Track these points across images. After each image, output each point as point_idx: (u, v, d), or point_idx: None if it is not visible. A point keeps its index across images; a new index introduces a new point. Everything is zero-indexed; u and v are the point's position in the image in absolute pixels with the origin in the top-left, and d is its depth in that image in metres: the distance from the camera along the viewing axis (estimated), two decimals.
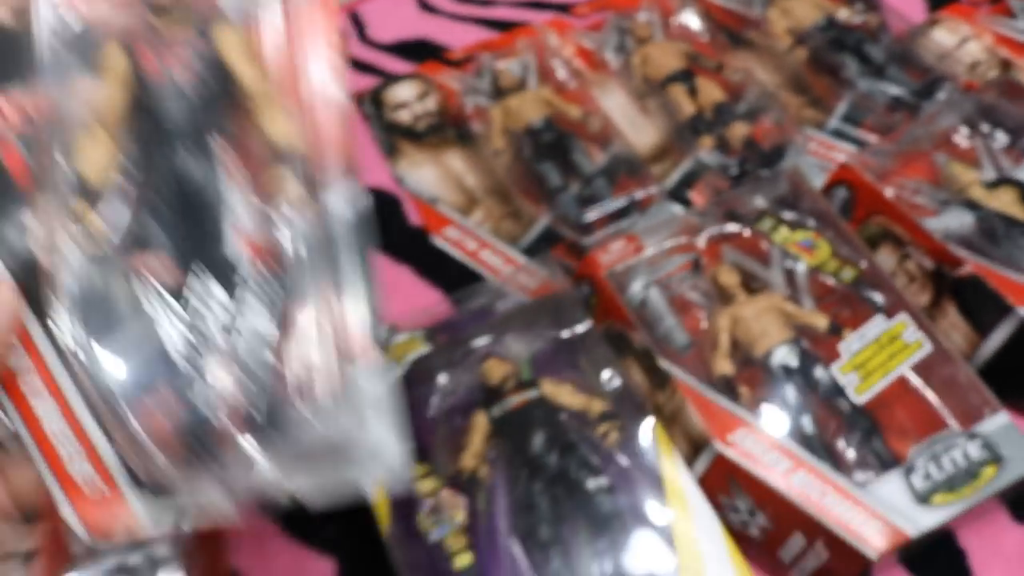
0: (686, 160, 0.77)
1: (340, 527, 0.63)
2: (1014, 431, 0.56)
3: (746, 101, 0.79)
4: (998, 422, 0.57)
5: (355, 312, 0.39)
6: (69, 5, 0.39)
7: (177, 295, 0.37)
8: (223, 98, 0.40)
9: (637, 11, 0.87)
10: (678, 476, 0.55)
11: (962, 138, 0.73)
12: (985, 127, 0.73)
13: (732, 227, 0.67)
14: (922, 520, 0.54)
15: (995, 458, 0.56)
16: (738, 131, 0.76)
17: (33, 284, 0.38)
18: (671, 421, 0.60)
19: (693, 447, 0.58)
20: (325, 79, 0.41)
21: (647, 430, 0.57)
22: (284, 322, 0.38)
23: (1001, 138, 0.72)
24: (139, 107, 0.39)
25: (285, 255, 0.39)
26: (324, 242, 0.39)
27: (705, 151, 0.76)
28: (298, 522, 0.64)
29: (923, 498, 0.54)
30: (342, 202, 0.40)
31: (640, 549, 0.53)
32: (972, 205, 0.68)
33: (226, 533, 0.63)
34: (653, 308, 0.64)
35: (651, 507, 0.54)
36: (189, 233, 0.38)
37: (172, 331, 0.37)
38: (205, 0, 0.41)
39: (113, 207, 0.38)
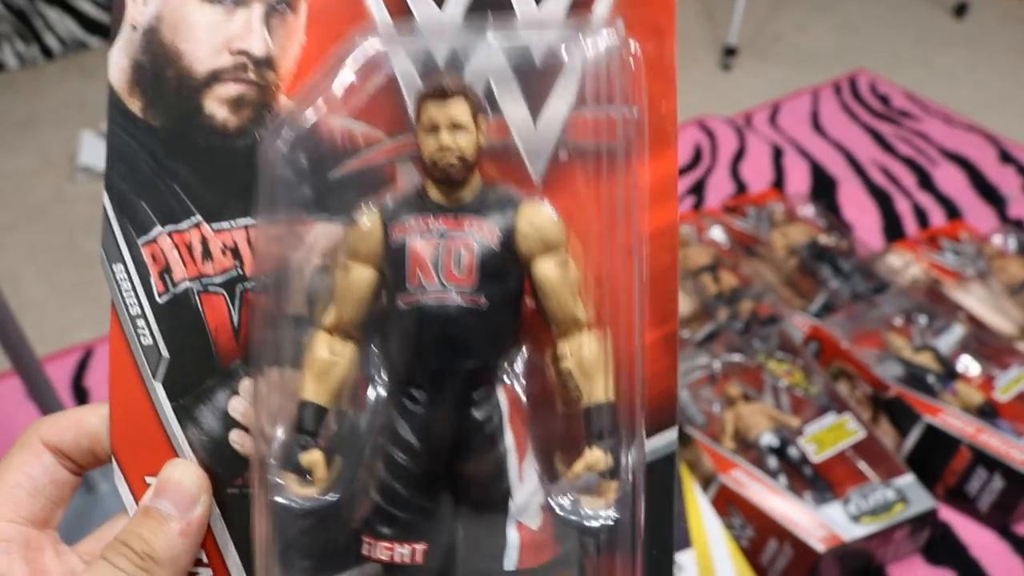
0: (710, 323, 1.11)
1: None
2: (917, 485, 0.86)
3: (753, 288, 1.14)
4: (907, 480, 0.87)
5: None
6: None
7: None
8: None
9: (680, 225, 1.25)
10: (695, 497, 0.85)
11: (899, 321, 1.07)
12: (914, 315, 1.07)
13: (738, 357, 1.00)
14: (853, 531, 0.82)
15: (903, 499, 0.85)
16: (746, 306, 1.11)
17: (219, 468, 0.36)
18: (693, 466, 0.90)
19: (705, 482, 0.88)
20: None
21: (678, 472, 0.87)
22: None
23: (924, 321, 1.06)
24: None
25: None
26: None
27: (723, 317, 1.10)
28: None
29: (855, 518, 0.83)
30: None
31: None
32: (903, 361, 1.01)
33: None
34: (682, 401, 0.96)
35: (679, 518, 0.84)
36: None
37: None
38: None
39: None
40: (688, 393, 0.97)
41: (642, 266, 0.34)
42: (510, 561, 0.35)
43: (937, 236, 1.28)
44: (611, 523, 0.34)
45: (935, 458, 0.93)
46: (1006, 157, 1.54)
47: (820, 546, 0.81)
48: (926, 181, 1.48)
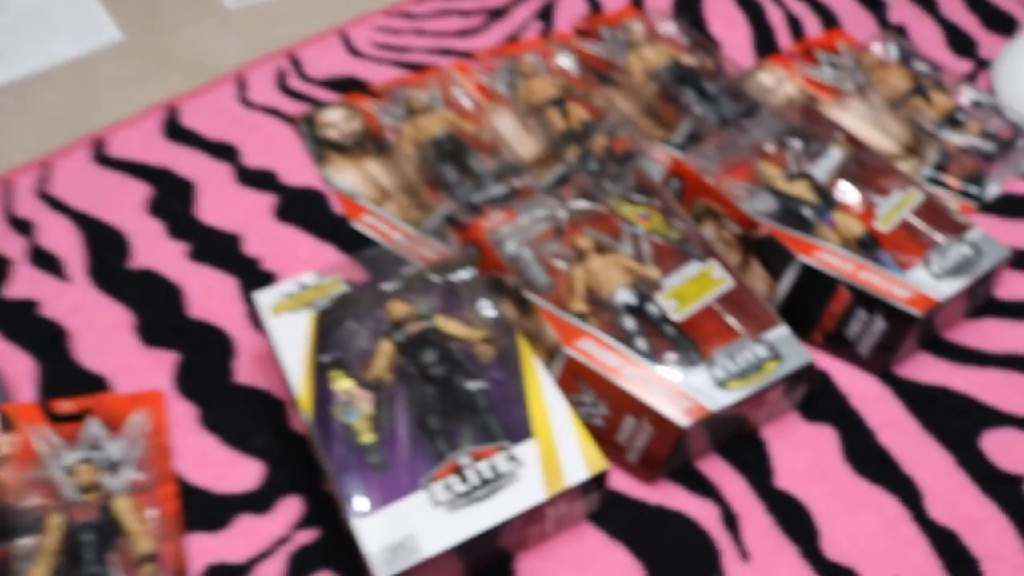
0: (559, 165, 0.95)
1: (268, 436, 0.78)
2: (791, 339, 0.74)
3: (607, 121, 0.98)
4: (780, 332, 0.75)
5: None
6: None
7: None
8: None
9: (524, 55, 1.07)
10: (537, 377, 0.72)
11: (771, 147, 0.93)
12: (788, 139, 0.93)
13: (586, 203, 0.85)
14: (720, 399, 0.71)
15: (776, 356, 0.73)
16: (599, 143, 0.96)
17: None
18: (534, 339, 0.76)
19: (550, 355, 0.75)
20: None
21: (515, 345, 0.74)
22: None
23: (798, 146, 0.92)
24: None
25: None
26: None
27: (573, 157, 0.95)
28: (233, 433, 0.78)
29: (721, 384, 0.71)
30: None
31: (508, 434, 0.68)
32: (775, 192, 0.87)
33: (170, 444, 0.77)
34: (523, 261, 0.81)
35: (516, 402, 0.70)
36: None
37: None
38: None
39: None
40: (530, 251, 0.82)
41: None
42: None
43: (812, 48, 1.14)
44: None
45: (812, 301, 0.81)
46: None
47: (683, 420, 0.69)
48: None
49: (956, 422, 0.78)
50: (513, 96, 1.04)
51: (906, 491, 0.73)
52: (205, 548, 0.71)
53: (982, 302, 0.86)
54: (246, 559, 0.70)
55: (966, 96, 1.03)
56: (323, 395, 0.71)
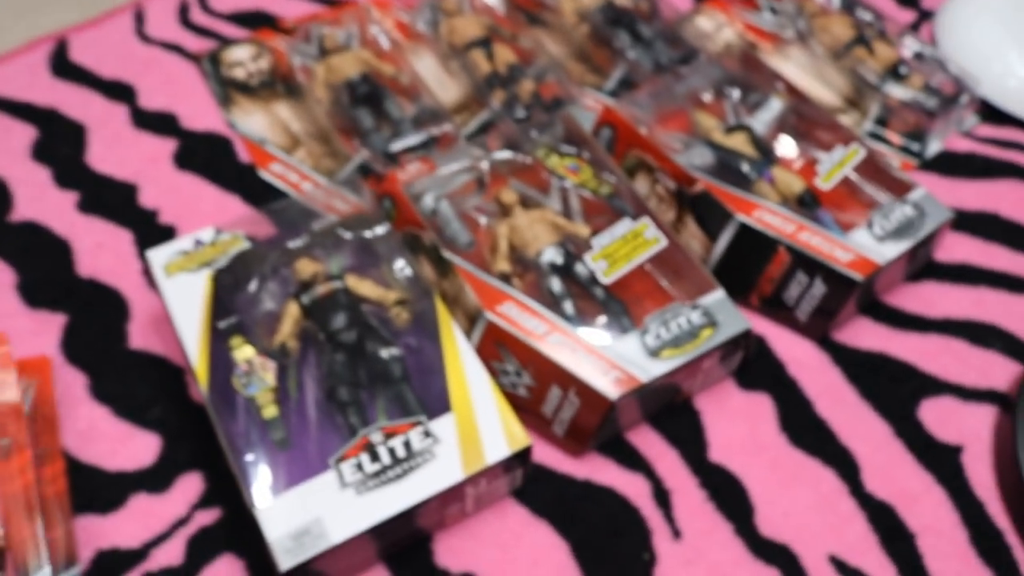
0: (482, 111, 0.89)
1: (165, 406, 0.71)
2: (727, 303, 0.70)
3: (535, 65, 0.92)
4: (716, 297, 0.70)
5: None
6: None
7: None
8: None
9: None
10: (456, 345, 0.66)
11: (708, 96, 0.88)
12: (726, 88, 0.88)
13: (511, 154, 0.79)
14: (652, 369, 0.66)
15: (712, 323, 0.69)
16: (526, 87, 0.89)
17: None
18: (453, 302, 0.71)
19: (470, 321, 0.69)
20: None
21: (432, 309, 0.68)
22: None
23: (737, 96, 0.87)
24: None
25: None
26: None
27: (498, 103, 0.89)
28: (127, 404, 0.71)
29: (653, 353, 0.67)
30: None
31: (425, 407, 0.63)
32: (712, 145, 0.83)
33: (57, 417, 0.69)
34: (442, 216, 0.75)
35: (433, 371, 0.65)
36: None
37: None
38: None
39: None
40: (450, 205, 0.76)
41: None
42: None
43: None
44: None
45: (749, 263, 0.77)
46: None
47: (612, 391, 0.64)
48: None
49: (894, 390, 0.75)
50: (435, 36, 0.97)
51: (843, 464, 0.70)
52: (96, 532, 0.65)
53: (922, 264, 0.83)
54: (141, 543, 0.64)
55: (909, 48, 0.99)
56: (221, 365, 0.65)
